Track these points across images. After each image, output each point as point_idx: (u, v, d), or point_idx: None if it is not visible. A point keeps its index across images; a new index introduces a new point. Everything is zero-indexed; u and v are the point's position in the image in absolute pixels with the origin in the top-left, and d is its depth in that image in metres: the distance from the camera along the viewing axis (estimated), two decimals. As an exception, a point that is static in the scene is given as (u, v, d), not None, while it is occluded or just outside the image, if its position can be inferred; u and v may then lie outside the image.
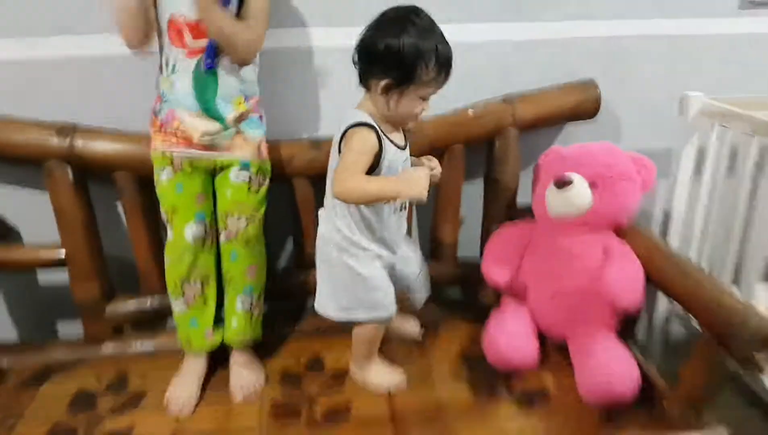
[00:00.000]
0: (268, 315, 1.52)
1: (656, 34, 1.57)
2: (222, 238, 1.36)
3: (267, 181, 1.38)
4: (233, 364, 1.37)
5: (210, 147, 1.30)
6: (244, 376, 1.35)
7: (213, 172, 1.34)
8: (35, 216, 1.48)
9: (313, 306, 1.31)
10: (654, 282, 1.28)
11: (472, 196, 1.57)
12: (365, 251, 1.24)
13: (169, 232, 1.34)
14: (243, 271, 1.36)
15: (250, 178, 1.34)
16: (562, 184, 1.34)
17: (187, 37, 1.24)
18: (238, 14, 1.25)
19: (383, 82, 1.13)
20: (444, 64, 1.14)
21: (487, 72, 1.53)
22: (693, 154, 1.54)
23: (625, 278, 1.27)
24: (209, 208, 1.35)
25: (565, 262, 1.36)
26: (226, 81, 1.28)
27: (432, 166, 1.26)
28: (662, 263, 1.27)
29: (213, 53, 1.23)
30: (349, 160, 1.14)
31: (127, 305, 1.49)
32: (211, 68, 1.24)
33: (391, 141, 1.18)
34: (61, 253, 1.42)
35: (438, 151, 1.47)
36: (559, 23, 1.54)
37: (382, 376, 1.35)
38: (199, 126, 1.28)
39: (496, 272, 1.46)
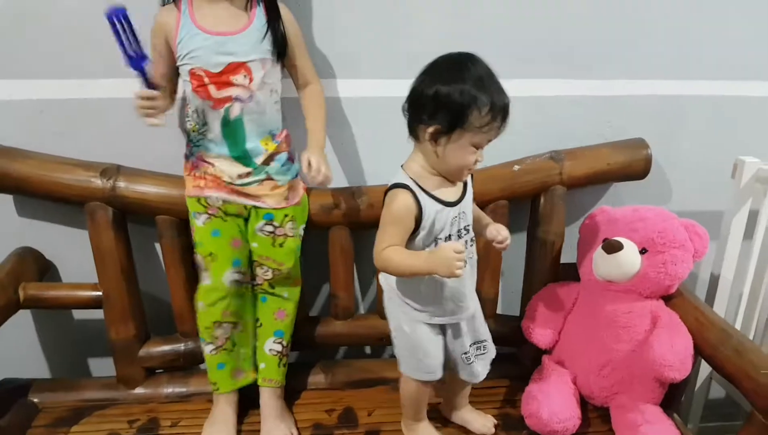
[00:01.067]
0: (300, 364, 1.51)
1: (709, 95, 1.54)
2: (256, 281, 1.38)
3: (299, 230, 1.38)
4: (265, 415, 1.36)
5: (239, 190, 1.31)
6: (276, 426, 1.34)
7: (246, 217, 1.34)
8: (74, 255, 1.49)
9: (343, 357, 1.28)
10: (705, 357, 1.25)
11: (515, 251, 1.53)
12: (413, 309, 1.21)
13: (206, 277, 1.33)
14: (272, 315, 1.38)
15: (273, 231, 1.34)
16: (612, 248, 1.31)
17: (211, 89, 1.24)
18: (283, 65, 1.31)
19: (431, 129, 1.06)
20: (499, 110, 1.06)
21: (536, 126, 1.50)
22: (744, 220, 1.49)
23: (673, 350, 1.23)
24: (245, 252, 1.35)
25: (613, 331, 1.33)
26: (253, 123, 1.28)
27: (499, 238, 1.20)
28: (713, 337, 1.24)
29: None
30: (385, 230, 1.12)
31: (161, 348, 1.47)
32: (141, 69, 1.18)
33: (436, 198, 1.12)
34: (98, 294, 1.41)
35: (481, 205, 1.44)
36: (612, 81, 1.51)
37: None
38: (228, 170, 1.29)
39: (538, 333, 1.45)
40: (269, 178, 1.32)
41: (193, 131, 1.31)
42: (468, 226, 1.18)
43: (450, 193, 1.15)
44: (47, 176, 1.36)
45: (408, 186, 1.11)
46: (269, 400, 1.37)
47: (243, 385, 1.38)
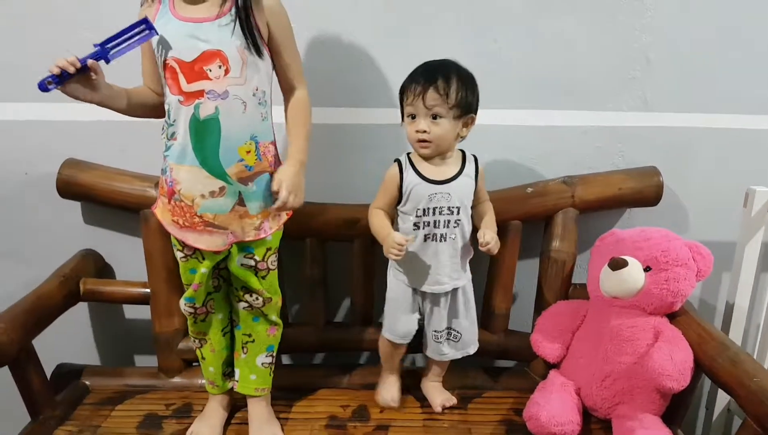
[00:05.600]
0: (322, 365, 1.62)
1: (719, 127, 1.60)
2: (240, 306, 1.37)
3: (275, 259, 1.35)
4: (253, 419, 1.42)
5: (211, 223, 1.24)
6: (264, 430, 1.40)
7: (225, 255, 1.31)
8: (128, 257, 1.66)
9: (366, 362, 1.39)
10: (704, 368, 1.28)
11: (528, 270, 1.62)
12: (396, 270, 1.41)
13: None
14: (265, 333, 1.40)
15: (255, 265, 1.32)
16: (617, 265, 1.38)
17: (182, 81, 1.17)
18: (275, 68, 1.27)
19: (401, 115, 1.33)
20: (414, 75, 1.29)
21: (550, 155, 1.61)
22: (757, 249, 1.52)
23: (672, 361, 1.27)
24: (205, 290, 1.34)
25: (616, 344, 1.38)
26: (231, 125, 1.19)
27: (482, 241, 1.33)
28: (712, 349, 1.27)
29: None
30: (378, 192, 1.37)
31: (198, 343, 1.62)
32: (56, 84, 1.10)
33: (419, 172, 1.33)
34: (147, 291, 1.58)
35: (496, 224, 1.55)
36: (625, 113, 1.60)
37: (383, 389, 1.50)
38: (198, 187, 1.22)
39: (546, 347, 1.51)
40: (241, 203, 1.24)
41: (164, 137, 1.24)
42: (454, 208, 1.33)
43: (436, 172, 1.34)
44: (109, 185, 1.55)
45: (399, 160, 1.35)
46: (258, 406, 1.43)
47: (225, 389, 1.46)
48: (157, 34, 1.12)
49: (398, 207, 1.37)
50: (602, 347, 1.40)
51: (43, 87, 1.09)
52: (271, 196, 1.26)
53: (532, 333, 1.55)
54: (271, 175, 1.26)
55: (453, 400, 1.49)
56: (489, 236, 1.33)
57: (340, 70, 1.55)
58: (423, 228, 1.34)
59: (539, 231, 1.60)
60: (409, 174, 1.33)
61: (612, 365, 1.37)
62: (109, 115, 1.55)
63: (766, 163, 1.61)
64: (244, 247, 1.29)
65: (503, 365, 1.70)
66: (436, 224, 1.34)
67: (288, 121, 1.31)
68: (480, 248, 1.34)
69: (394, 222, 1.38)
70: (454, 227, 1.35)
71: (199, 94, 1.16)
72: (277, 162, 1.30)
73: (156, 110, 1.28)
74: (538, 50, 1.55)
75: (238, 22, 1.16)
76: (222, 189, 1.22)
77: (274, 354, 1.44)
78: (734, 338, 1.54)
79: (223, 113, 1.18)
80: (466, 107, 1.29)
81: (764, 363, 1.56)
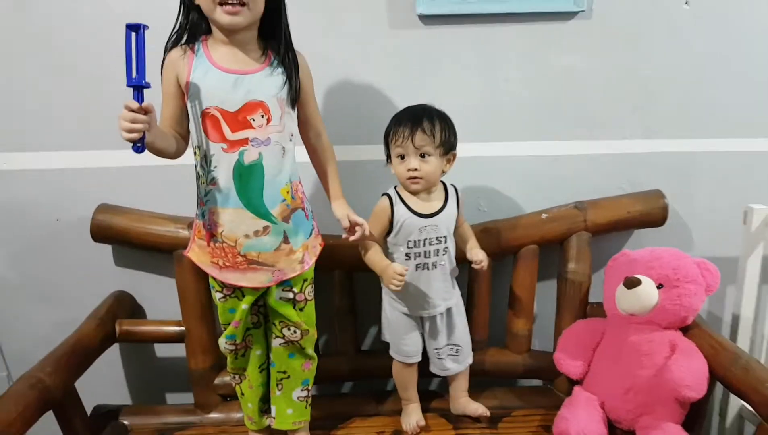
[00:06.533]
0: (353, 394, 1.67)
1: (720, 151, 1.71)
2: (276, 342, 1.43)
3: (312, 289, 1.42)
4: None
5: (255, 261, 1.30)
6: None
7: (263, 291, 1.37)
8: (160, 298, 1.72)
9: (393, 387, 1.47)
10: (718, 377, 1.36)
11: (547, 292, 1.70)
12: (391, 298, 1.50)
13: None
14: (300, 368, 1.45)
15: (293, 298, 1.38)
16: (631, 284, 1.46)
17: (226, 129, 1.22)
18: (299, 118, 1.34)
19: (386, 156, 1.45)
20: (400, 120, 1.39)
21: (562, 182, 1.71)
22: (758, 263, 1.62)
23: (688, 369, 1.35)
24: (244, 328, 1.41)
25: (635, 358, 1.46)
26: (273, 168, 1.26)
27: (475, 259, 1.47)
28: (725, 359, 1.36)
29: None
30: (369, 225, 1.41)
31: (233, 377, 1.67)
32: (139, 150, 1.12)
33: (409, 207, 1.42)
34: (182, 329, 1.63)
35: (512, 250, 1.65)
36: (629, 140, 1.71)
37: (405, 417, 1.56)
38: (241, 227, 1.27)
39: (569, 364, 1.58)
40: (285, 241, 1.31)
41: (202, 182, 1.27)
42: (441, 237, 1.45)
43: (424, 206, 1.44)
44: (143, 228, 1.61)
45: (389, 194, 1.44)
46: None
47: (262, 426, 1.52)
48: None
49: (388, 238, 1.46)
50: (622, 362, 1.48)
51: (140, 150, 1.13)
52: (309, 230, 1.38)
53: (555, 352, 1.62)
54: (303, 210, 1.35)
55: (487, 411, 1.55)
56: (481, 254, 1.47)
57: (359, 110, 1.64)
58: (414, 258, 1.44)
59: (555, 254, 1.68)
60: (399, 207, 1.43)
61: (633, 379, 1.45)
62: (136, 161, 1.62)
63: (763, 182, 1.72)
64: (282, 281, 1.35)
65: (528, 384, 1.77)
66: (426, 254, 1.44)
67: (321, 163, 1.42)
68: (474, 267, 1.47)
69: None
70: (443, 254, 1.46)
71: (244, 142, 1.23)
72: (305, 197, 1.39)
73: (177, 153, 1.30)
74: (547, 85, 1.66)
75: (285, 76, 1.26)
76: (266, 228, 1.28)
77: (310, 387, 1.49)
78: (742, 347, 1.63)
79: (266, 158, 1.25)
80: (449, 145, 1.42)
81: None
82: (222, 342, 1.42)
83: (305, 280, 1.39)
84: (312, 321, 1.44)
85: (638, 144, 1.70)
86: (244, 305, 1.36)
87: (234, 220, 1.27)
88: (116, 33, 1.12)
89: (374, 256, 1.45)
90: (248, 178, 1.25)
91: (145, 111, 1.10)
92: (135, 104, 1.09)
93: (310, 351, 1.45)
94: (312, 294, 1.43)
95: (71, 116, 1.62)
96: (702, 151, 1.71)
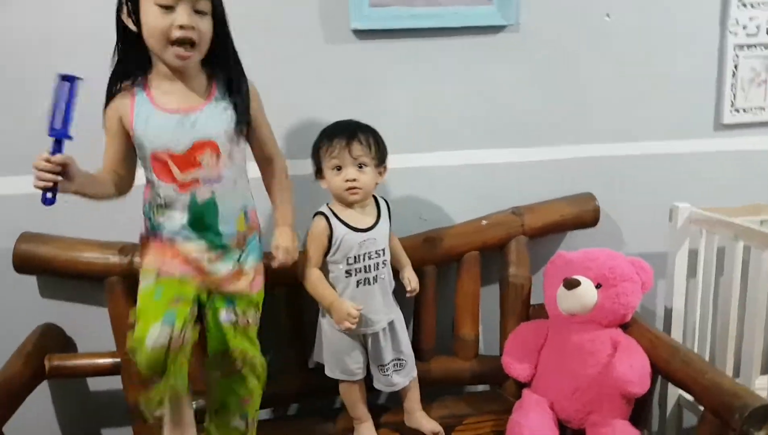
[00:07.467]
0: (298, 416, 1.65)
1: (646, 154, 1.80)
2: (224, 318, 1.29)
3: (257, 317, 1.34)
4: None
5: (205, 271, 1.26)
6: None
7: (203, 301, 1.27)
8: (92, 329, 1.63)
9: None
10: (660, 371, 1.42)
11: (491, 297, 1.72)
12: (331, 318, 1.45)
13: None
14: (238, 401, 1.34)
15: (236, 320, 1.29)
16: (571, 285, 1.50)
17: (175, 171, 1.20)
18: (249, 139, 1.31)
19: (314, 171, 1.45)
20: (334, 132, 1.41)
21: (499, 189, 1.74)
22: (685, 258, 1.70)
23: (631, 366, 1.40)
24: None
25: (580, 358, 1.49)
26: (226, 203, 1.25)
27: (408, 288, 1.52)
28: (665, 354, 1.42)
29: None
30: (307, 248, 1.43)
31: (175, 408, 1.59)
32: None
33: (345, 223, 1.42)
34: (117, 361, 1.54)
35: (455, 256, 1.66)
36: (562, 147, 1.77)
37: None
38: (197, 257, 1.25)
39: (516, 367, 1.61)
40: (238, 266, 1.28)
41: (156, 214, 1.25)
42: (380, 250, 1.46)
43: (360, 220, 1.44)
44: (70, 256, 1.52)
45: (323, 213, 1.43)
46: None
47: None
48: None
49: (326, 257, 1.44)
50: (567, 362, 1.52)
51: (50, 202, 1.10)
52: (260, 253, 1.34)
53: (502, 356, 1.64)
54: (258, 232, 1.34)
55: (440, 428, 1.54)
56: (414, 283, 1.53)
57: (291, 125, 1.63)
58: (355, 274, 1.43)
59: (495, 259, 1.71)
60: (336, 225, 1.42)
61: (579, 378, 1.49)
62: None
63: (685, 181, 1.81)
64: (227, 299, 1.28)
65: (477, 390, 1.78)
66: (367, 269, 1.44)
67: (273, 188, 1.38)
68: (408, 295, 1.51)
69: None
70: (383, 267, 1.47)
71: (195, 182, 1.21)
72: (257, 221, 1.36)
73: (118, 194, 1.27)
74: (480, 96, 1.70)
75: (235, 109, 1.24)
76: (219, 256, 1.27)
77: (250, 419, 1.36)
78: (676, 339, 1.71)
79: (219, 196, 1.24)
80: (382, 157, 1.44)
81: (705, 358, 1.72)
82: (150, 339, 1.09)
83: (248, 303, 1.31)
84: (256, 349, 1.33)
85: (569, 150, 1.77)
86: (189, 288, 1.21)
87: (188, 249, 1.25)
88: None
89: (318, 287, 1.43)
90: (202, 215, 1.24)
91: (62, 165, 1.07)
92: (57, 158, 1.07)
93: (255, 381, 1.33)
94: (256, 319, 1.34)
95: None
96: (628, 155, 1.79)
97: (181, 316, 1.14)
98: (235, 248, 1.28)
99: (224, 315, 1.29)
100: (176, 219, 1.23)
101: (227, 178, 1.24)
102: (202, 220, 1.24)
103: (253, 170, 1.38)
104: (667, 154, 1.81)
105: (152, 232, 1.27)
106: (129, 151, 1.24)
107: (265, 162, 1.37)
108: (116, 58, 1.23)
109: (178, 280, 1.22)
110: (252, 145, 1.34)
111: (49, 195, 1.08)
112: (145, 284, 1.22)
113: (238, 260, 1.29)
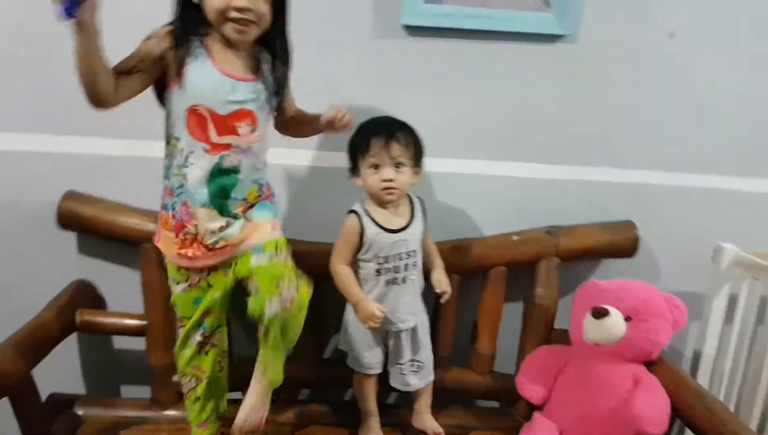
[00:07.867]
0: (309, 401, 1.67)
1: (694, 186, 1.72)
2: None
3: (290, 257, 1.29)
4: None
5: (224, 247, 1.29)
6: (254, 403, 1.31)
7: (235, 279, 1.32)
8: (123, 290, 1.68)
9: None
10: (680, 415, 1.37)
11: (513, 315, 1.70)
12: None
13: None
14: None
15: (269, 255, 1.26)
16: (599, 314, 1.46)
17: (211, 131, 1.21)
18: (279, 108, 1.33)
19: (349, 168, 1.43)
20: (373, 130, 1.38)
21: (533, 205, 1.70)
22: (724, 303, 1.63)
23: (651, 406, 1.36)
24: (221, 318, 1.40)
25: (596, 388, 1.46)
26: (246, 175, 1.27)
27: (438, 290, 1.48)
28: (689, 398, 1.37)
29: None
30: (338, 243, 1.44)
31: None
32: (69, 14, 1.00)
33: (378, 223, 1.41)
34: (144, 323, 1.60)
35: (482, 270, 1.65)
36: (605, 169, 1.71)
37: (364, 432, 1.54)
38: (209, 226, 1.27)
39: (530, 389, 1.58)
40: (249, 221, 1.30)
41: (175, 175, 1.25)
42: (411, 251, 1.45)
43: (393, 221, 1.44)
44: (109, 218, 1.58)
45: (356, 211, 1.42)
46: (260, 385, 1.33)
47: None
48: None
49: (358, 255, 1.44)
50: (584, 391, 1.48)
51: (68, 12, 0.99)
52: (274, 211, 1.36)
53: (517, 375, 1.62)
54: (268, 199, 1.36)
55: (441, 430, 1.56)
56: (445, 285, 1.49)
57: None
58: (385, 274, 1.43)
59: (522, 276, 1.68)
60: (368, 224, 1.42)
61: (593, 409, 1.45)
62: (105, 150, 1.59)
63: (731, 221, 1.73)
64: (254, 248, 1.28)
65: (487, 405, 1.77)
66: (396, 269, 1.44)
67: (299, 111, 1.41)
68: (441, 301, 1.49)
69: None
70: (413, 268, 1.46)
71: (227, 147, 1.23)
72: (272, 192, 1.38)
73: (104, 94, 1.15)
74: (523, 107, 1.66)
75: (276, 93, 1.29)
76: (228, 223, 1.28)
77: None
78: (701, 384, 1.64)
79: (243, 165, 1.27)
80: (420, 157, 1.43)
81: (731, 408, 1.66)
82: (187, 337, 1.36)
83: (276, 246, 1.28)
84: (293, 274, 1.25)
85: (612, 173, 1.71)
86: (216, 293, 1.33)
87: (203, 217, 1.27)
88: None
89: (347, 284, 1.44)
90: (223, 181, 1.26)
91: None
92: None
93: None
94: (289, 259, 1.28)
95: (38, 98, 1.58)
96: (675, 186, 1.72)
97: (211, 324, 1.36)
98: (240, 214, 1.29)
99: (254, 260, 1.26)
100: (195, 178, 1.24)
101: (254, 152, 1.27)
102: (220, 187, 1.25)
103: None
104: (717, 189, 1.73)
105: (172, 205, 1.27)
106: (139, 80, 1.20)
107: (289, 111, 1.39)
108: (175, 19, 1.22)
109: (206, 289, 1.32)
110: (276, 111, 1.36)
111: (68, 5, 0.99)
112: (179, 289, 1.35)
113: (248, 219, 1.30)
